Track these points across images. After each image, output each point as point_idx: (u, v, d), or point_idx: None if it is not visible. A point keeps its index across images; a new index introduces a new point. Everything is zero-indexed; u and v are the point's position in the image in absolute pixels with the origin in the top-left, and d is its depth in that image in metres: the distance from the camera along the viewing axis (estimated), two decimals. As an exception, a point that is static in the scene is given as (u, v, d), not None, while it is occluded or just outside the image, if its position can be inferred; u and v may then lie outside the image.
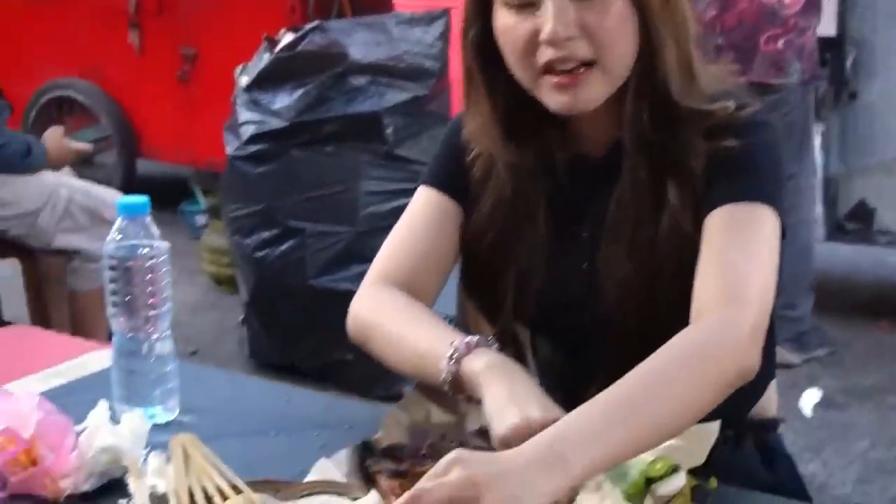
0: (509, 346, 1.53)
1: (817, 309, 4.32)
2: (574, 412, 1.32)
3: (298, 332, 4.04)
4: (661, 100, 1.51)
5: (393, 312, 1.59)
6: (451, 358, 1.48)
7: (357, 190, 4.01)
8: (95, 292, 3.61)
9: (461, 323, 1.75)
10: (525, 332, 1.65)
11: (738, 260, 1.44)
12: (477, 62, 1.57)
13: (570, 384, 1.53)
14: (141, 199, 1.65)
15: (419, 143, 4.01)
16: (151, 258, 1.63)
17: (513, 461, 1.25)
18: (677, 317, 1.44)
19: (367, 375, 3.62)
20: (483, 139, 1.61)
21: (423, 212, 1.66)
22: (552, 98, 1.51)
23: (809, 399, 3.92)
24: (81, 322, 3.74)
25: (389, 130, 4.01)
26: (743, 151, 1.50)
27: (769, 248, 1.46)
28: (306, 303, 3.97)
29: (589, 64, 1.49)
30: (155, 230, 1.65)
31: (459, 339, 1.49)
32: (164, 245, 1.65)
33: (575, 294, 1.60)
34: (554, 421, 1.32)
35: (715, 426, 1.45)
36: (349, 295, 1.66)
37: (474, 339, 1.49)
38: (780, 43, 3.96)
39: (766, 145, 1.53)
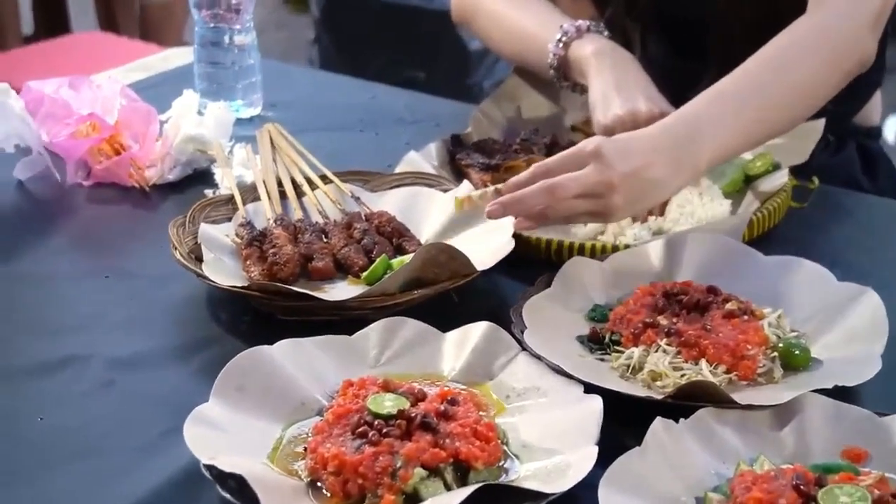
0: (617, 42, 1.46)
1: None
2: (702, 102, 1.24)
3: (371, 51, 3.96)
4: None
5: None
6: (559, 41, 1.42)
7: None
8: (168, 4, 3.55)
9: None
10: (635, 27, 1.57)
11: None
12: None
13: (676, 83, 1.46)
14: None
15: None
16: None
17: (648, 159, 1.17)
18: (796, 17, 1.35)
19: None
20: None
21: None
22: None
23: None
24: (152, 36, 3.68)
25: None
26: None
27: None
28: (379, 19, 3.88)
29: None
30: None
31: (569, 23, 1.43)
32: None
33: None
34: (661, 115, 1.27)
35: (820, 124, 1.39)
36: (423, 11, 1.59)
37: (585, 23, 1.43)
38: None
39: None
